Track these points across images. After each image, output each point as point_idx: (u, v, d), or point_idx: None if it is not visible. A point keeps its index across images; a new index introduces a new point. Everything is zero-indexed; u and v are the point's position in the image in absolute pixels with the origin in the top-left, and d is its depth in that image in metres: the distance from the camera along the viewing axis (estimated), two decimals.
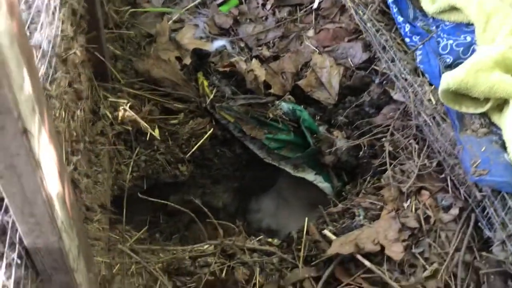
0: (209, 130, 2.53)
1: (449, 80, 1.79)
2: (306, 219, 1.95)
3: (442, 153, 1.98)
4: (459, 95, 1.82)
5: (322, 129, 2.57)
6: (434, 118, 1.99)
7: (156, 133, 2.36)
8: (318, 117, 2.63)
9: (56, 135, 1.13)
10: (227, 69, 2.63)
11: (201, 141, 2.48)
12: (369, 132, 2.44)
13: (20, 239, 1.08)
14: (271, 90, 2.63)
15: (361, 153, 2.30)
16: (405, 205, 2.01)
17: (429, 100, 2.03)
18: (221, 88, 2.59)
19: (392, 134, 2.32)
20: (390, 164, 2.14)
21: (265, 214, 2.90)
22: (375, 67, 2.52)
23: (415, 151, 2.16)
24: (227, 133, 2.59)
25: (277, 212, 2.88)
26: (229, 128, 2.55)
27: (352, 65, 2.59)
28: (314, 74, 2.74)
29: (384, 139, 2.29)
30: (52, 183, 1.05)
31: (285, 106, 2.54)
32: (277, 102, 2.56)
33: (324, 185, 2.45)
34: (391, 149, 2.23)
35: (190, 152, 2.43)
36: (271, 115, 2.48)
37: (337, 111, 2.68)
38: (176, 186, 2.50)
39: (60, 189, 1.12)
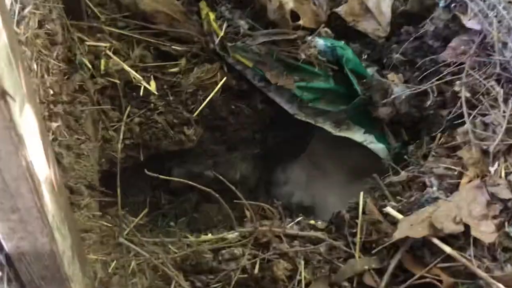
0: (221, 79, 2.42)
1: None
2: (362, 194, 1.85)
3: None
4: None
5: (371, 71, 2.45)
6: None
7: (152, 86, 2.25)
8: (366, 56, 2.52)
9: (34, 97, 1.03)
10: None
11: (211, 94, 2.38)
12: (436, 74, 2.33)
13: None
14: (301, 22, 2.50)
15: (428, 102, 2.19)
16: (492, 169, 1.92)
17: None
18: (233, 21, 2.47)
19: (468, 75, 2.19)
20: (469, 115, 2.03)
21: (294, 187, 2.85)
22: None
23: (500, 97, 2.05)
24: (244, 83, 2.49)
25: (310, 183, 2.83)
26: (247, 76, 2.45)
27: None
28: None
29: (457, 82, 2.17)
30: (39, 165, 0.95)
31: (321, 42, 2.42)
32: (309, 37, 2.42)
33: (377, 146, 2.36)
34: (468, 94, 2.12)
35: (198, 110, 2.34)
36: (303, 56, 2.35)
37: (390, 46, 2.56)
38: (181, 155, 2.42)
39: (47, 172, 1.03)
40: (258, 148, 2.67)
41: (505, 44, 2.18)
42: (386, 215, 1.88)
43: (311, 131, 2.74)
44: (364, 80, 2.38)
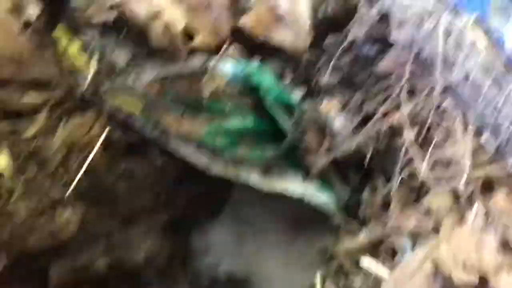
0: (100, 133, 2.08)
1: None
2: (318, 275, 1.59)
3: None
4: None
5: (298, 98, 2.19)
6: None
7: (2, 163, 1.85)
8: (289, 78, 2.24)
9: None
10: (111, 16, 2.14)
11: (90, 157, 2.02)
12: (379, 90, 2.11)
13: None
14: (195, 42, 2.19)
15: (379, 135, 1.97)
16: (471, 214, 1.74)
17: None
18: (107, 52, 2.11)
19: (411, 95, 1.99)
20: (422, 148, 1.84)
21: (220, 254, 2.57)
22: None
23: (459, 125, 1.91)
24: (133, 134, 2.13)
25: (240, 247, 2.55)
26: (135, 126, 2.10)
27: None
28: (266, 1, 2.33)
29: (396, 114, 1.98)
30: None
31: (228, 68, 2.12)
32: (212, 63, 2.12)
33: (321, 199, 2.10)
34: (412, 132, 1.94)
35: (74, 182, 1.98)
36: (208, 90, 2.05)
37: (316, 62, 2.30)
38: (58, 248, 2.04)
39: None
40: (165, 214, 2.34)
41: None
42: None
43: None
44: (292, 112, 2.12)
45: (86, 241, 2.17)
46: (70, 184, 2.06)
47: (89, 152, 2.10)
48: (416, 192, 1.90)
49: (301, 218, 2.51)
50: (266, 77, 2.14)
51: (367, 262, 1.70)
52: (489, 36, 1.95)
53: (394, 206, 1.85)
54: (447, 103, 2.01)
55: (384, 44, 2.26)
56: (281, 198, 2.43)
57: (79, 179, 2.07)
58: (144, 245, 2.34)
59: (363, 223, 1.92)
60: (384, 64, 2.21)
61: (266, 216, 2.59)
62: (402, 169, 1.98)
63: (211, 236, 2.61)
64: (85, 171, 2.08)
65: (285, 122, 2.09)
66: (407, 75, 2.11)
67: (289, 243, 2.51)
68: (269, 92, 2.10)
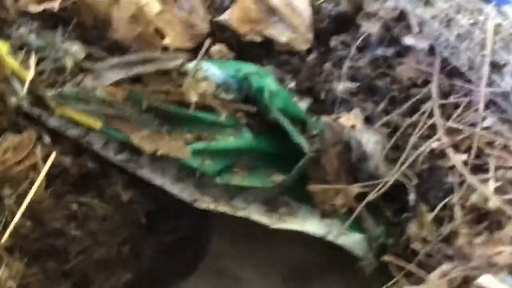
0: (44, 159, 1.54)
1: None
2: None
3: None
4: None
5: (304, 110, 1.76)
6: None
7: None
8: (291, 85, 1.80)
9: None
10: (55, 4, 1.66)
11: (30, 194, 1.49)
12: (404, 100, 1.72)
13: None
14: (166, 41, 1.75)
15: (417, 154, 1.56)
16: None
17: None
18: (51, 50, 1.60)
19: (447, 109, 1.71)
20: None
21: None
22: None
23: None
24: (89, 159, 1.62)
25: None
26: (93, 147, 1.59)
27: None
28: None
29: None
30: None
31: (216, 71, 1.66)
32: (192, 64, 1.66)
33: (350, 238, 1.62)
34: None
35: (8, 232, 1.44)
36: (193, 98, 1.57)
37: (321, 64, 1.89)
38: None
39: None
40: (128, 271, 1.77)
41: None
42: None
43: (209, 219, 1.94)
44: (303, 125, 1.65)
45: None
46: (3, 233, 1.48)
47: (29, 187, 1.54)
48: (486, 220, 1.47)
49: (300, 267, 2.02)
50: (268, 81, 1.68)
51: None
52: None
53: (464, 238, 1.40)
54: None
55: (401, 45, 1.89)
56: (270, 238, 1.98)
57: (15, 225, 1.50)
58: None
59: (420, 264, 1.45)
60: (405, 69, 1.83)
61: (256, 270, 2.06)
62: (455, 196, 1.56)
63: None
64: (22, 214, 1.51)
65: (297, 138, 1.61)
66: (436, 83, 1.73)
67: None
68: (274, 100, 1.62)
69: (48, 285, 1.62)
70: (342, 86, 1.74)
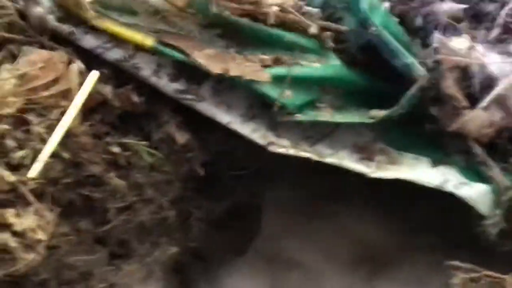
0: (79, 84, 1.20)
1: None
2: None
3: None
4: None
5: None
6: None
7: None
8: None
9: None
10: None
11: (62, 125, 1.15)
12: None
13: None
14: None
15: None
16: None
17: None
18: None
19: None
20: None
21: None
22: None
23: None
24: (135, 88, 1.28)
25: None
26: (139, 72, 1.26)
27: None
28: None
29: None
30: None
31: None
32: None
33: (472, 190, 1.28)
34: None
35: (36, 168, 1.12)
36: (272, 12, 1.26)
37: None
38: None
39: None
40: (177, 243, 1.41)
41: None
42: None
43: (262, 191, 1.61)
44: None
45: (51, 281, 1.19)
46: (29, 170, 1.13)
47: (58, 118, 1.19)
48: None
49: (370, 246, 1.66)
50: None
51: None
52: None
53: None
54: None
55: None
56: (331, 210, 1.65)
57: (45, 166, 1.15)
58: None
59: None
60: None
61: (319, 252, 1.70)
62: None
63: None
64: (53, 152, 1.16)
65: (406, 58, 1.29)
66: None
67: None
68: (374, 13, 1.30)
69: (80, 251, 1.26)
70: (446, 7, 1.42)
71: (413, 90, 1.29)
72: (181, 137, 1.34)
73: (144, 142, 1.32)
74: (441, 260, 1.62)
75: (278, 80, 1.30)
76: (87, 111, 1.27)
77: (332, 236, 1.73)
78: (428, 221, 1.64)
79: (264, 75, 1.27)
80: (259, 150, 1.36)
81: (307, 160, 1.36)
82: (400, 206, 1.67)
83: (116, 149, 1.29)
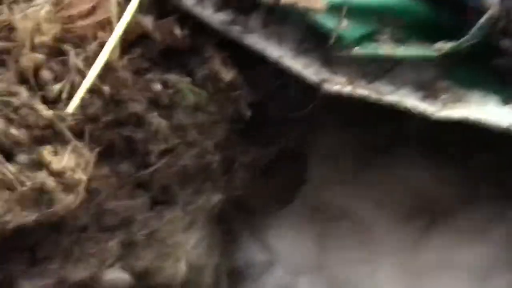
0: (119, 14, 1.12)
1: None
2: None
3: None
4: None
5: None
6: None
7: None
8: None
9: None
10: None
11: (101, 57, 1.08)
12: None
13: None
14: None
15: None
16: None
17: None
18: None
19: None
20: None
21: (293, 270, 1.61)
22: None
23: None
24: (176, 23, 1.19)
25: (326, 258, 1.61)
26: (183, 2, 1.17)
27: None
28: None
29: None
30: None
31: None
32: None
33: None
34: None
35: (74, 103, 1.04)
36: None
37: None
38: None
39: None
40: (220, 191, 1.33)
41: None
42: None
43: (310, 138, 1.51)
44: None
45: (90, 227, 1.12)
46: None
47: (98, 50, 1.09)
48: None
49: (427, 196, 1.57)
50: None
51: None
52: None
53: None
54: None
55: None
56: (394, 167, 1.55)
57: (82, 101, 1.06)
58: (182, 251, 1.30)
59: None
60: None
61: (369, 202, 1.61)
62: None
63: (276, 241, 1.59)
64: (91, 86, 1.07)
65: None
66: None
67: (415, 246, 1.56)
68: None
69: (121, 195, 1.18)
70: None
71: (482, 20, 1.17)
72: (227, 74, 1.24)
73: (187, 79, 1.23)
74: (502, 211, 1.53)
75: (334, 8, 1.18)
76: (127, 44, 1.18)
77: (384, 186, 1.62)
78: (490, 171, 1.54)
79: (320, 3, 1.16)
80: (311, 90, 1.26)
81: (360, 106, 1.27)
82: (459, 155, 1.57)
83: (157, 87, 1.20)
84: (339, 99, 1.26)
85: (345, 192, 1.64)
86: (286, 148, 1.49)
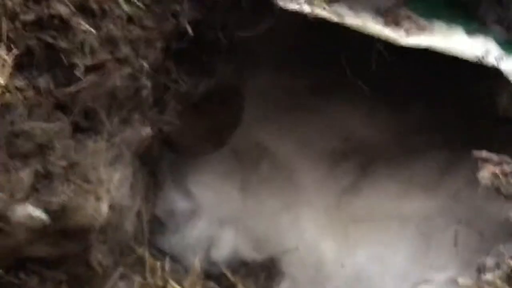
0: None
1: None
2: None
3: None
4: None
5: None
6: None
7: None
8: None
9: None
10: None
11: None
12: None
13: None
14: None
15: None
16: None
17: None
18: None
19: None
20: None
21: (216, 220, 1.50)
22: None
23: None
24: None
25: (255, 206, 1.52)
26: None
27: None
28: None
29: None
30: None
31: None
32: None
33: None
34: None
35: None
36: None
37: None
38: None
39: None
40: (150, 123, 1.18)
41: None
42: None
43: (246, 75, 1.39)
44: None
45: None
46: None
47: None
48: None
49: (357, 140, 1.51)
50: None
51: None
52: None
53: None
54: None
55: None
56: (325, 111, 1.47)
57: None
58: (104, 189, 1.13)
59: None
60: None
61: (301, 144, 1.51)
62: None
63: (199, 188, 1.45)
64: None
65: None
66: None
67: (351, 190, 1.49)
68: None
69: (38, 115, 0.99)
70: None
71: None
72: None
73: None
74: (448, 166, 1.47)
75: None
76: None
77: (312, 129, 1.53)
78: (431, 120, 1.49)
79: None
80: (263, 10, 1.13)
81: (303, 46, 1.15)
82: (400, 103, 1.51)
83: None
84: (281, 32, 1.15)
85: (268, 131, 1.52)
86: (222, 83, 1.35)
